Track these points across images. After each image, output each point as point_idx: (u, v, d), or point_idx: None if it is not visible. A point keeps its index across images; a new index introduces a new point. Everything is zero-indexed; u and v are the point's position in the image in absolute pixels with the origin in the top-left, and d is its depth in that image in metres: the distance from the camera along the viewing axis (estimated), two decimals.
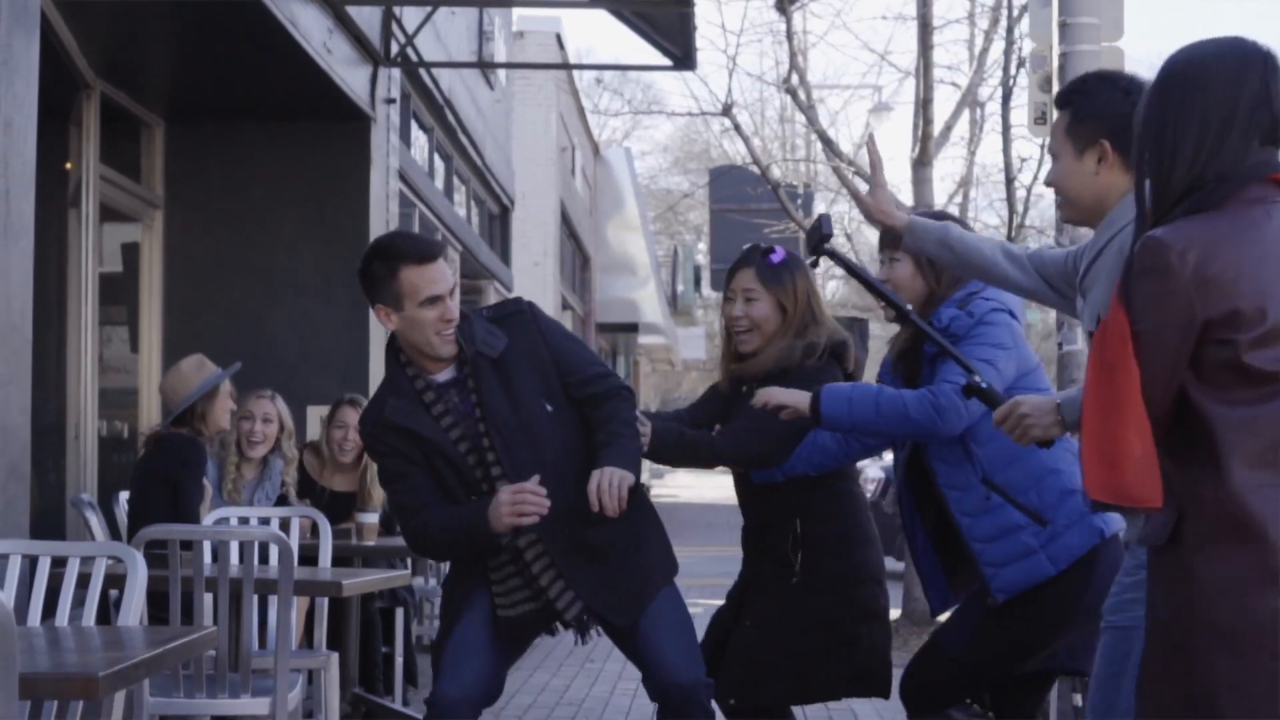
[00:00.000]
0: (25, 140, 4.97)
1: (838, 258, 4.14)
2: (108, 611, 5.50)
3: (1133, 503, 2.82)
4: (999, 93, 11.80)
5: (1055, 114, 3.70)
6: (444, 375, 4.25)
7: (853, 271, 4.28)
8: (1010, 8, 11.63)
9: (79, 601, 4.04)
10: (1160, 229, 2.84)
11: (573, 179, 25.32)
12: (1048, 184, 3.73)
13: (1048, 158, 6.24)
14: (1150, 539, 2.90)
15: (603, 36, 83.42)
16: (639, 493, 4.24)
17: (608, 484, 4.06)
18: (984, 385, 3.80)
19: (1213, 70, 2.88)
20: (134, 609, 3.81)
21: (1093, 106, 3.60)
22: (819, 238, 4.13)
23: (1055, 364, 7.21)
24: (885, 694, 4.65)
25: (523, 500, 4.03)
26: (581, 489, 4.11)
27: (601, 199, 29.21)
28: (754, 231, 16.87)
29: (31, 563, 4.11)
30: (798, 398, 4.26)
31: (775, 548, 4.56)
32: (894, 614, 7.03)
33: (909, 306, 4.20)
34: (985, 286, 4.32)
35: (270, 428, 6.95)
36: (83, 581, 4.09)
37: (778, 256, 4.55)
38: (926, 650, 4.57)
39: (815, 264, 4.37)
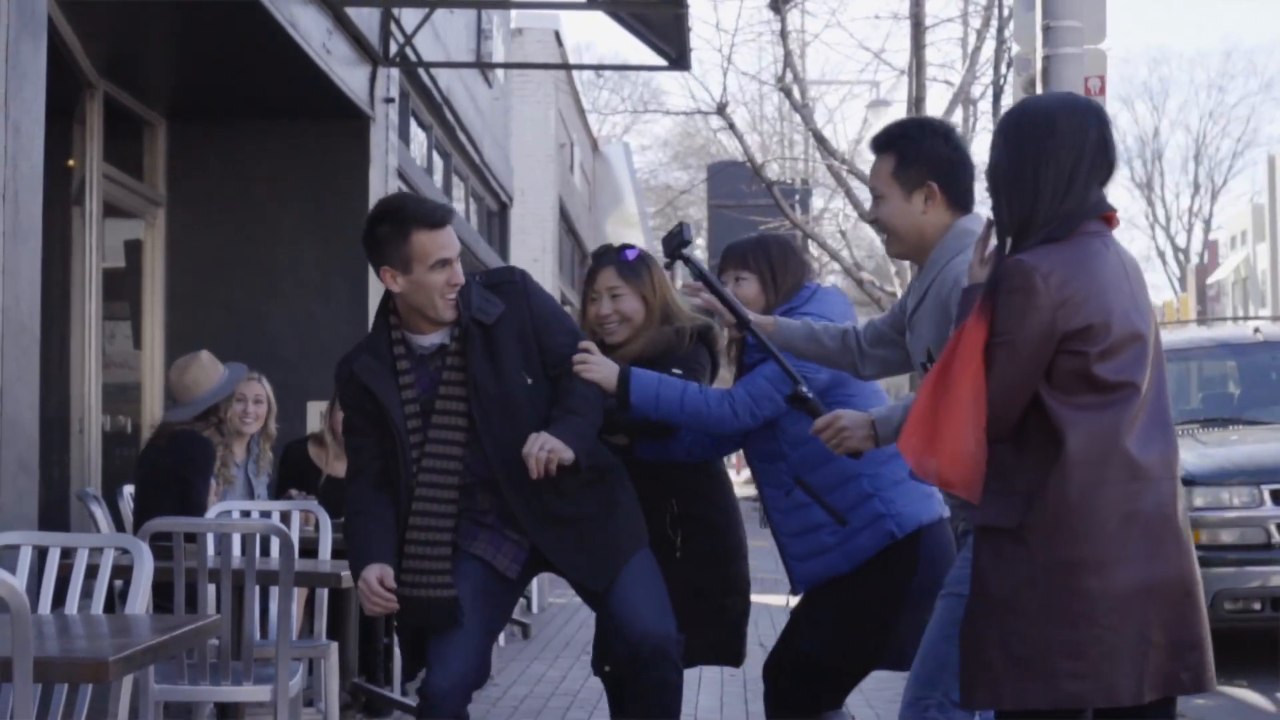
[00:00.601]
0: (33, 143, 5.11)
1: (692, 263, 4.31)
2: (113, 602, 5.63)
3: (955, 490, 3.29)
4: (990, 91, 11.96)
5: (877, 158, 4.07)
6: (432, 339, 4.34)
7: (705, 279, 4.42)
8: (1001, 8, 11.79)
9: (84, 592, 4.18)
10: (1024, 255, 3.26)
11: (571, 175, 25.44)
12: (870, 221, 4.05)
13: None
14: (1000, 521, 3.28)
15: (601, 32, 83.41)
16: (608, 465, 4.41)
17: (536, 449, 4.16)
18: (809, 396, 4.04)
19: (1061, 122, 3.36)
20: (141, 598, 3.96)
21: (918, 151, 4.01)
22: (679, 243, 4.30)
23: None
24: (738, 663, 4.97)
25: (369, 598, 4.20)
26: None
27: (600, 195, 29.33)
28: (751, 228, 16.99)
29: (40, 553, 4.26)
30: (607, 373, 4.45)
31: (655, 526, 4.71)
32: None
33: (751, 318, 4.37)
34: (811, 298, 4.70)
35: (260, 408, 7.14)
36: (89, 572, 4.24)
37: (632, 254, 4.77)
38: (783, 642, 4.85)
39: (669, 266, 4.51)
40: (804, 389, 4.08)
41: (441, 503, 4.31)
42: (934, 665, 3.86)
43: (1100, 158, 3.39)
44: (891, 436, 3.84)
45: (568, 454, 4.18)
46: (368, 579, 4.20)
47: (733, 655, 4.95)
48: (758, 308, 4.67)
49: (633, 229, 28.80)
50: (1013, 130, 3.39)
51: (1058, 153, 3.32)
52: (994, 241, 3.44)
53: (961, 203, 4.05)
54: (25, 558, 4.13)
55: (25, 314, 5.06)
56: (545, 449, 4.15)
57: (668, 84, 48.04)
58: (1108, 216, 3.39)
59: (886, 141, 4.08)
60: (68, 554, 4.35)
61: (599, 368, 4.41)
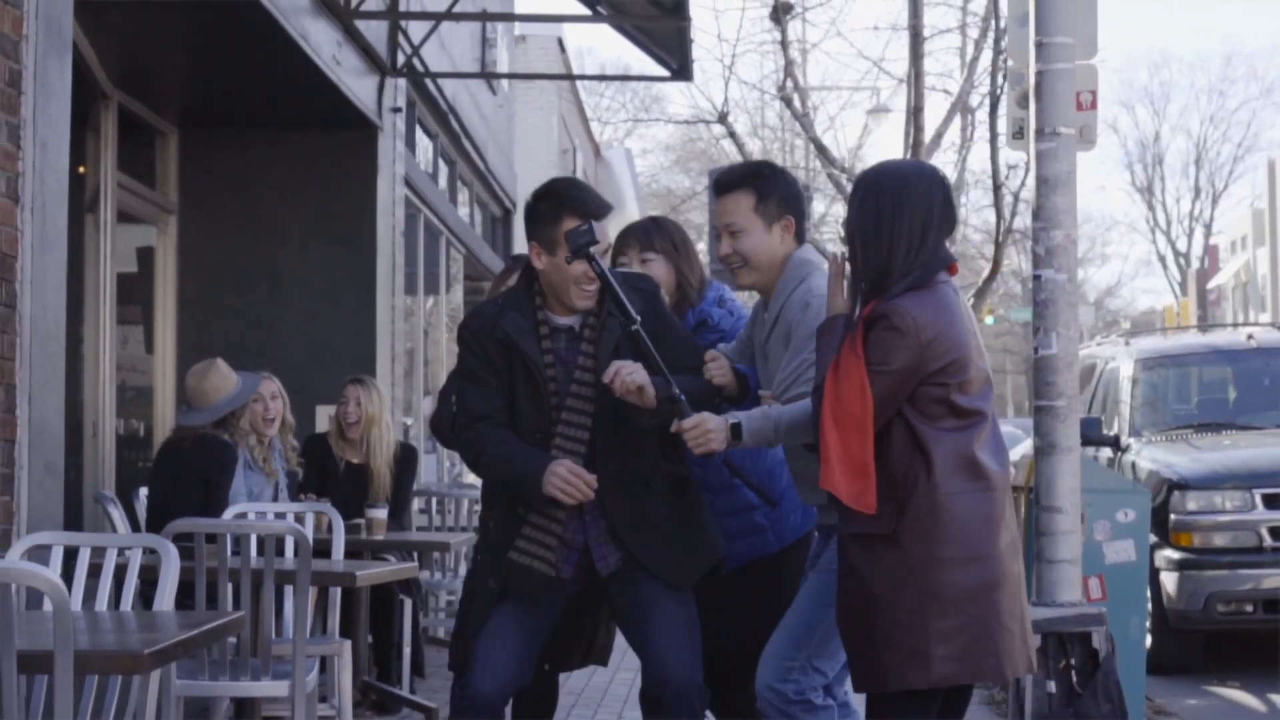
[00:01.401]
0: (59, 157, 5.29)
1: (594, 262, 4.37)
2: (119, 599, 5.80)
3: (867, 509, 3.79)
4: (988, 101, 12.13)
5: (729, 196, 4.44)
6: (565, 320, 4.46)
7: (604, 279, 4.44)
8: (999, 19, 11.95)
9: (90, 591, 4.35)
10: (899, 300, 3.83)
11: None
12: (722, 257, 4.51)
13: (1034, 165, 6.66)
14: (875, 529, 3.83)
15: (603, 38, 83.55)
16: (686, 474, 4.51)
17: (624, 369, 4.23)
18: (680, 398, 4.23)
19: (914, 185, 3.94)
20: (168, 595, 4.13)
21: (776, 188, 4.41)
22: (586, 241, 4.34)
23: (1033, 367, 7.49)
24: (604, 662, 4.99)
25: (575, 485, 4.25)
26: (647, 464, 4.38)
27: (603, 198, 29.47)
28: None
29: (69, 553, 4.43)
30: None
31: None
32: None
33: (638, 322, 4.39)
34: (726, 302, 4.95)
35: (277, 404, 7.34)
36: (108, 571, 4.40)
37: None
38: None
39: (569, 261, 4.51)
40: (677, 391, 4.24)
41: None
42: (803, 629, 4.27)
43: (946, 217, 3.97)
44: (756, 440, 4.20)
45: (644, 381, 4.22)
46: (559, 471, 4.25)
47: (604, 656, 4.97)
48: (669, 288, 4.77)
49: None
50: (870, 191, 3.94)
51: (911, 213, 3.89)
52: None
53: (802, 235, 4.48)
54: (56, 557, 4.30)
55: (52, 322, 5.24)
56: (628, 372, 4.22)
57: (669, 89, 48.14)
58: (952, 267, 3.99)
59: (740, 180, 4.45)
60: (96, 553, 4.51)
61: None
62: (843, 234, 4.11)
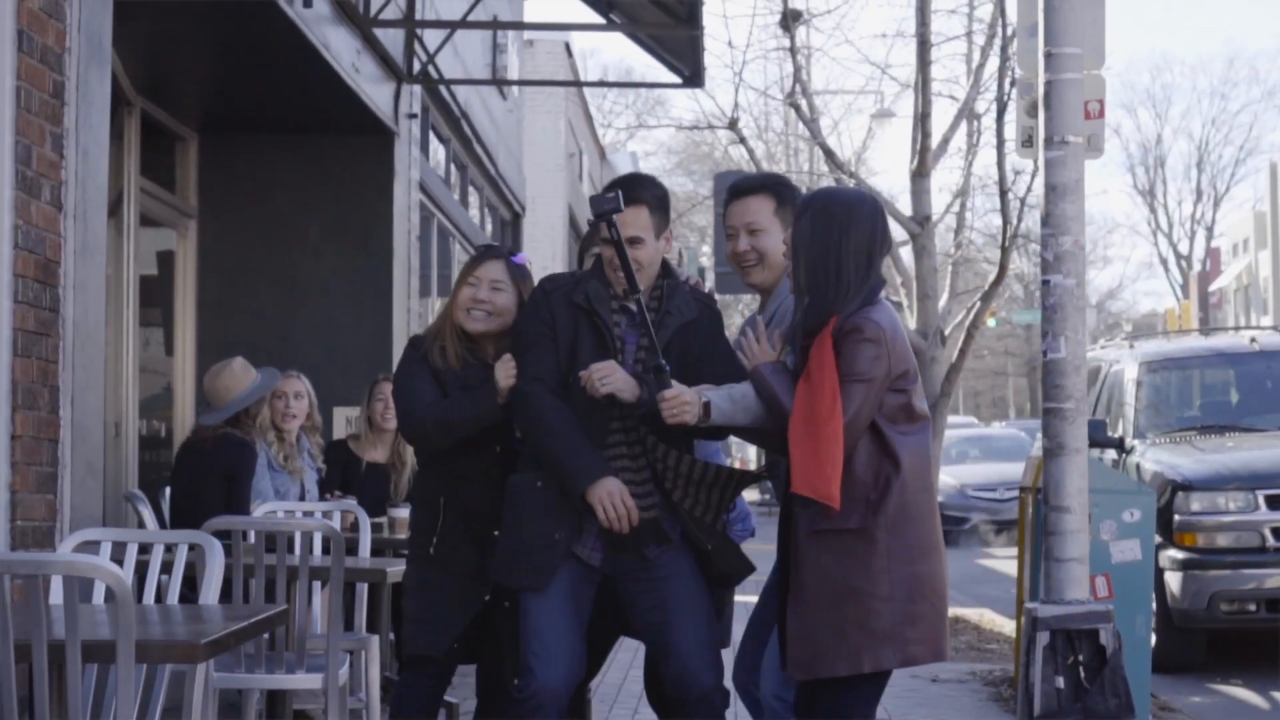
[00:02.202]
0: (99, 166, 5.46)
1: (612, 228, 4.57)
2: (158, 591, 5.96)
3: (831, 501, 4.10)
4: (994, 107, 12.23)
5: (751, 198, 4.79)
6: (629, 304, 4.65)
7: (617, 246, 4.62)
8: (1005, 26, 12.05)
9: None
10: (868, 312, 4.20)
11: (580, 184, 25.77)
12: (739, 253, 4.76)
13: (1040, 171, 6.84)
14: (849, 525, 4.17)
15: (607, 40, 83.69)
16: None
17: (597, 373, 4.44)
18: (666, 368, 4.45)
19: (859, 211, 4.31)
20: (213, 589, 4.29)
21: (791, 199, 4.75)
22: (611, 208, 4.56)
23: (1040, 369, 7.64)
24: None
25: (619, 511, 4.42)
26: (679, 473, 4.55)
27: None
28: None
29: (116, 549, 4.59)
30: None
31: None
32: None
33: (640, 290, 4.59)
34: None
35: (301, 403, 7.48)
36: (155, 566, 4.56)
37: (520, 259, 5.06)
38: None
39: (593, 225, 4.77)
40: (663, 362, 4.46)
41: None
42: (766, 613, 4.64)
43: (885, 241, 4.38)
44: (722, 420, 4.38)
45: (616, 390, 4.42)
46: (611, 489, 4.43)
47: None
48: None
49: None
50: (820, 214, 4.27)
51: (858, 236, 4.26)
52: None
53: None
54: (105, 553, 4.45)
55: (92, 325, 5.40)
56: (600, 377, 4.41)
57: (673, 92, 48.21)
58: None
59: (762, 185, 4.84)
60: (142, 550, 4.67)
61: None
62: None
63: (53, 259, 5.13)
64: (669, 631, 4.56)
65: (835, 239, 4.24)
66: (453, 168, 14.58)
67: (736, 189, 4.88)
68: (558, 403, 4.56)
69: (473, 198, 16.06)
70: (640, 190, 4.68)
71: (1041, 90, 7.01)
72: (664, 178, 45.99)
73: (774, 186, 4.81)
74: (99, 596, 4.44)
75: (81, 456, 5.28)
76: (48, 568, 3.42)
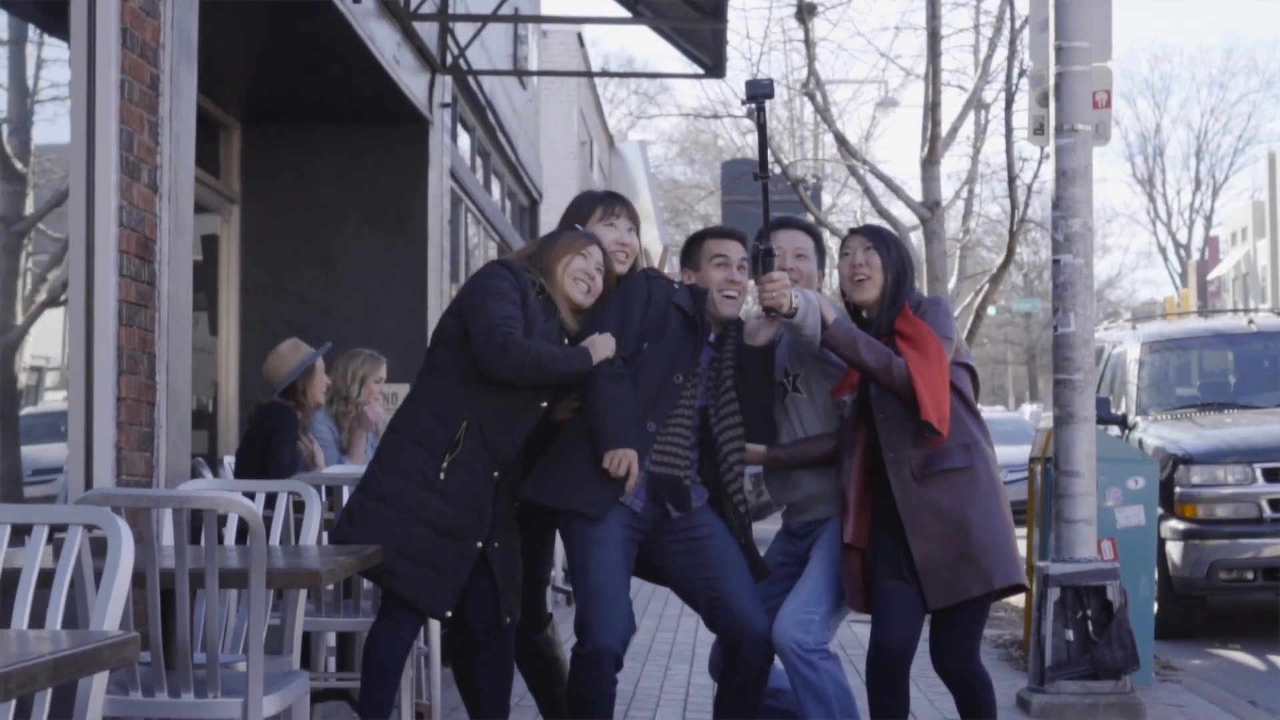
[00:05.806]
0: (188, 151, 5.89)
1: (761, 112, 5.04)
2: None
3: (944, 428, 4.84)
4: (1002, 97, 12.66)
5: (799, 232, 5.46)
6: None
7: (761, 128, 5.10)
8: (1013, 19, 12.48)
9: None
10: (933, 295, 4.96)
11: (591, 171, 26.16)
12: (783, 270, 5.13)
13: (1047, 158, 7.35)
14: (958, 464, 4.93)
15: (611, 27, 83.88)
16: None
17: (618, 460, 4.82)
18: (775, 253, 4.94)
19: (903, 242, 5.52)
20: (314, 530, 4.74)
21: (820, 245, 5.53)
22: (763, 92, 5.02)
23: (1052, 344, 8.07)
24: None
25: (625, 468, 4.75)
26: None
27: (615, 190, 29.97)
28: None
29: None
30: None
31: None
32: None
33: (770, 176, 5.18)
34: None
35: (382, 387, 7.89)
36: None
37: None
38: None
39: (746, 104, 5.17)
40: (772, 245, 4.96)
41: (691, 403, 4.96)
42: (822, 590, 5.02)
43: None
44: (798, 320, 4.86)
45: (780, 303, 4.85)
46: (630, 455, 4.74)
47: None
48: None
49: (648, 224, 29.53)
50: (894, 241, 5.22)
51: (908, 254, 5.28)
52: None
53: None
54: None
55: (183, 298, 5.84)
56: (778, 288, 4.83)
57: (676, 80, 48.49)
58: None
59: (808, 229, 5.53)
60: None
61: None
62: (871, 242, 5.12)
63: (150, 237, 5.57)
64: (717, 585, 4.88)
65: (906, 257, 5.20)
66: (477, 156, 15.00)
67: (788, 221, 5.49)
68: (629, 390, 4.85)
69: (495, 185, 16.48)
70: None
71: (1052, 81, 7.46)
72: (664, 166, 45.72)
73: (814, 232, 5.53)
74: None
75: (175, 419, 5.72)
76: (192, 502, 3.87)
